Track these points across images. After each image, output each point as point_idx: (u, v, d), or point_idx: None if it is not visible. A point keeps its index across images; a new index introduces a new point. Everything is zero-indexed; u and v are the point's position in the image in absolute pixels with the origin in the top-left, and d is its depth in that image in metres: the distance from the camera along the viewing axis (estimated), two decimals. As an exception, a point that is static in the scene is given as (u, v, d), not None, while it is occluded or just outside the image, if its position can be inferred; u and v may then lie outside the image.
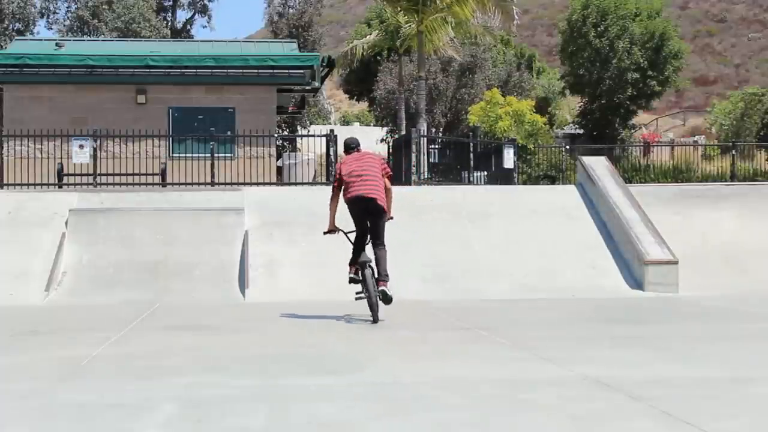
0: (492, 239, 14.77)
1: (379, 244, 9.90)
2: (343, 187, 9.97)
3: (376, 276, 9.75)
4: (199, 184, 17.85)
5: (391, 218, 10.27)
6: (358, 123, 50.20)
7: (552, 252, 14.45)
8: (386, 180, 10.08)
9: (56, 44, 23.10)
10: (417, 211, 15.33)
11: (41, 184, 17.93)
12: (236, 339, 8.90)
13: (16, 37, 30.56)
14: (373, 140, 34.07)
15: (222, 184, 17.86)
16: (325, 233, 10.58)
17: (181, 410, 5.44)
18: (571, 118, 43.18)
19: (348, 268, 10.13)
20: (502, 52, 39.09)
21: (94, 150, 18.39)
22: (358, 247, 9.98)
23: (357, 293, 9.90)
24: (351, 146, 10.40)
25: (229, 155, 19.83)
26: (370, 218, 9.92)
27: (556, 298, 12.67)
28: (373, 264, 9.84)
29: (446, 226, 14.99)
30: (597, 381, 6.25)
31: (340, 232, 10.30)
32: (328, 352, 7.83)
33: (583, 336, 8.98)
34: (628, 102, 34.62)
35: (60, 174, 18.30)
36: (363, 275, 9.77)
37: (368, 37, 31.91)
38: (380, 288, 9.68)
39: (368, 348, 8.09)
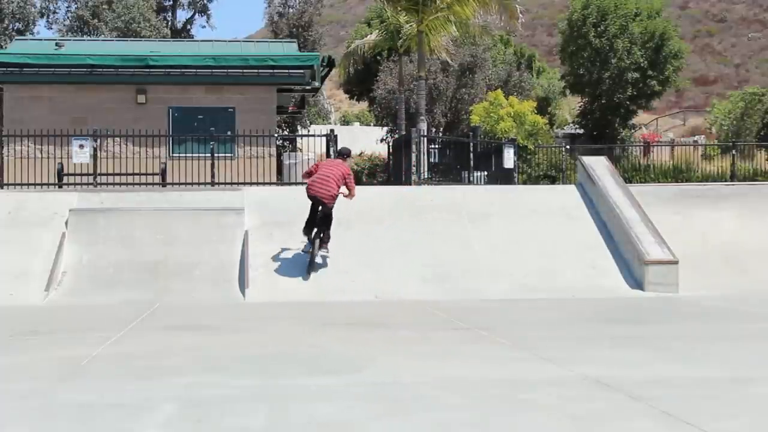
0: (492, 239, 14.77)
1: (322, 225, 13.41)
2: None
3: (318, 242, 13.40)
4: (199, 184, 17.85)
5: (353, 196, 13.71)
6: (358, 123, 50.18)
7: (552, 252, 14.45)
8: (348, 182, 13.44)
9: (56, 44, 23.10)
10: (417, 211, 15.33)
11: (41, 184, 17.93)
12: (236, 339, 8.90)
13: (16, 37, 30.53)
14: (373, 140, 34.06)
15: (222, 183, 17.87)
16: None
17: (181, 410, 5.44)
18: (571, 118, 43.18)
19: (304, 233, 13.54)
20: (503, 52, 39.06)
21: (94, 150, 18.39)
22: (310, 224, 13.45)
23: (303, 250, 13.57)
24: (342, 153, 13.96)
25: (229, 155, 19.84)
26: (320, 207, 13.39)
27: (556, 298, 12.67)
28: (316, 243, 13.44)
29: (446, 226, 14.99)
30: (597, 381, 6.25)
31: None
32: (327, 352, 7.83)
33: (583, 336, 8.99)
34: (628, 102, 34.59)
35: (60, 174, 18.30)
36: (312, 240, 13.43)
37: (369, 36, 31.87)
38: (321, 250, 13.45)
39: (368, 348, 8.09)
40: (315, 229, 13.39)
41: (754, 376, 6.61)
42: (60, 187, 17.84)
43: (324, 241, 13.44)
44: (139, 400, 5.71)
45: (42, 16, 41.75)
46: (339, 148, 14.56)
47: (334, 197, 13.28)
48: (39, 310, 11.80)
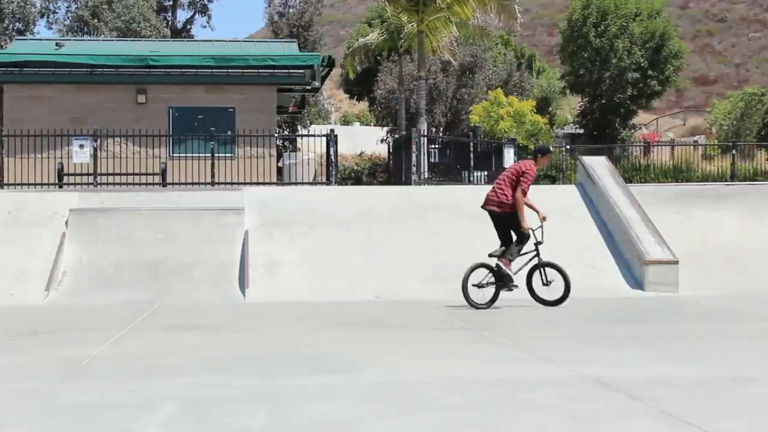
0: (492, 239, 14.72)
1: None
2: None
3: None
4: (199, 183, 17.86)
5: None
6: (358, 123, 50.17)
7: (552, 252, 14.42)
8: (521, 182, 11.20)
9: (56, 44, 23.10)
10: (417, 211, 15.34)
11: (41, 184, 17.93)
12: (236, 339, 8.90)
13: (16, 37, 30.54)
14: (373, 140, 34.06)
15: (222, 183, 17.87)
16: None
17: (181, 410, 5.44)
18: (572, 118, 43.17)
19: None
20: (503, 52, 39.06)
21: (95, 150, 18.39)
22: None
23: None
24: (540, 151, 11.97)
25: (230, 155, 19.84)
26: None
27: (556, 298, 12.65)
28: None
29: (446, 225, 14.99)
30: (597, 381, 6.25)
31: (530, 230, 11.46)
32: (328, 352, 7.83)
33: (583, 336, 8.98)
34: (628, 102, 34.58)
35: (60, 174, 18.30)
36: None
37: (372, 35, 31.82)
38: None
39: (368, 348, 8.09)
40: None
41: (754, 376, 6.61)
42: (60, 187, 17.84)
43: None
44: (139, 400, 5.71)
45: (42, 16, 41.75)
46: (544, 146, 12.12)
47: (503, 204, 11.21)
48: (39, 310, 11.80)
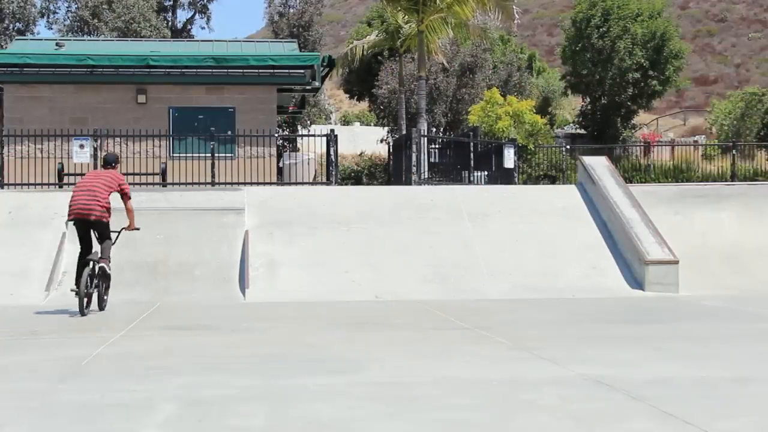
0: (492, 239, 14.77)
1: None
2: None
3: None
4: (199, 183, 17.86)
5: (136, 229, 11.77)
6: (358, 123, 50.15)
7: (552, 252, 14.45)
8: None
9: (56, 44, 23.09)
10: (417, 211, 15.34)
11: (41, 184, 17.93)
12: (236, 339, 8.90)
13: (16, 37, 30.52)
14: (373, 140, 34.05)
15: (222, 183, 17.87)
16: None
17: (181, 410, 5.44)
18: (571, 118, 43.17)
19: None
20: (502, 52, 39.04)
21: (95, 150, 18.39)
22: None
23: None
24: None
25: (230, 155, 19.85)
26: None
27: (556, 298, 12.68)
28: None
29: (446, 226, 14.99)
30: (597, 381, 6.25)
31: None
32: (328, 352, 7.83)
33: (583, 336, 8.99)
34: (628, 102, 34.60)
35: (60, 174, 18.30)
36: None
37: (369, 37, 31.82)
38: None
39: (368, 348, 8.09)
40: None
41: (754, 376, 6.61)
42: (60, 187, 17.84)
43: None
44: (139, 400, 5.71)
45: (42, 16, 41.76)
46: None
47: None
48: (39, 310, 11.79)
